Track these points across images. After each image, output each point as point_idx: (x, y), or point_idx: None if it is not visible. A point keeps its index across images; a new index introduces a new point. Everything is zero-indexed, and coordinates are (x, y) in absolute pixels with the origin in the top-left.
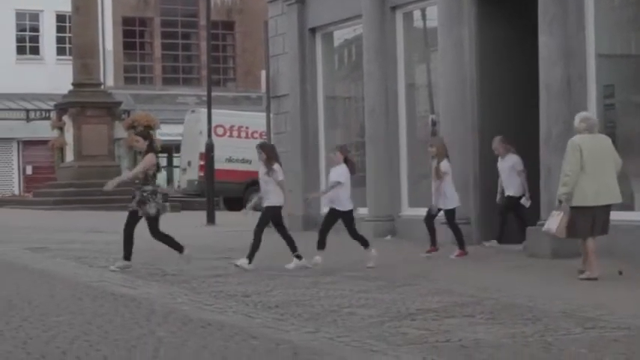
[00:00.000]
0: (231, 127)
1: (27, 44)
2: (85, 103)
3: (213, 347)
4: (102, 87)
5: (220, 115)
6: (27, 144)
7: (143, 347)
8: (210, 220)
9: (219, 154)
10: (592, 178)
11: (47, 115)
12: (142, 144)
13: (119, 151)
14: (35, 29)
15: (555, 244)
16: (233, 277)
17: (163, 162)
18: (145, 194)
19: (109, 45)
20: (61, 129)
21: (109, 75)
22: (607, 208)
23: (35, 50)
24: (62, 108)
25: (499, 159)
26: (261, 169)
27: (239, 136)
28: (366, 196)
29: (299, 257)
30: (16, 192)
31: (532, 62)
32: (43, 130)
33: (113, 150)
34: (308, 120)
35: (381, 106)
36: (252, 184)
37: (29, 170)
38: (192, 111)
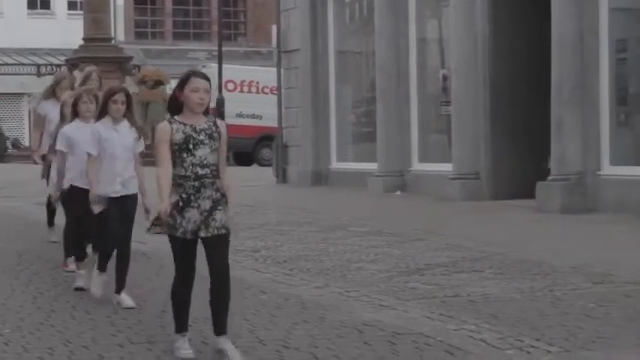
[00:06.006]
0: (242, 82)
1: None
2: (95, 58)
3: None
4: (112, 42)
5: (231, 70)
6: None
7: (153, 302)
8: None
9: (230, 110)
10: None
11: (58, 70)
12: None
13: None
14: None
15: (565, 199)
16: (242, 232)
17: None
18: None
19: None
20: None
21: (119, 30)
22: None
23: (46, 4)
24: (73, 63)
25: None
26: None
27: (250, 92)
28: (376, 151)
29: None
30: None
31: (544, 16)
32: None
33: None
34: (318, 75)
35: (392, 62)
36: (262, 140)
37: None
38: (203, 66)
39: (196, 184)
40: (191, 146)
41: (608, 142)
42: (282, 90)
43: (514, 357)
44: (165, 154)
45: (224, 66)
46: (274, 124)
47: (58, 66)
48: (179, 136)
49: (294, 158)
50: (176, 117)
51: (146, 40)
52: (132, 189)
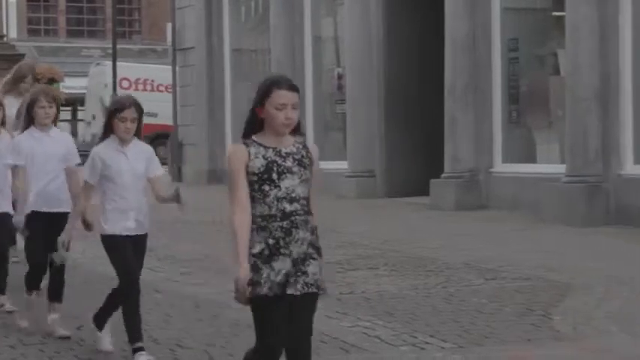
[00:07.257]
0: (137, 80)
1: None
2: None
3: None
4: (4, 39)
5: (126, 67)
6: None
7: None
8: None
9: None
10: None
11: None
12: None
13: None
14: None
15: (458, 197)
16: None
17: (68, 115)
18: None
19: None
20: None
21: (12, 27)
22: None
23: None
24: None
25: None
26: None
27: (144, 89)
28: None
29: None
30: None
31: (438, 15)
32: None
33: None
34: (214, 73)
35: (288, 60)
36: (157, 138)
37: None
38: (97, 64)
39: (285, 224)
40: (275, 176)
41: (500, 140)
42: (178, 88)
43: (408, 353)
44: (242, 191)
45: (119, 64)
46: (170, 122)
47: None
48: (259, 163)
49: (189, 157)
50: (253, 137)
51: (39, 38)
52: (147, 227)
